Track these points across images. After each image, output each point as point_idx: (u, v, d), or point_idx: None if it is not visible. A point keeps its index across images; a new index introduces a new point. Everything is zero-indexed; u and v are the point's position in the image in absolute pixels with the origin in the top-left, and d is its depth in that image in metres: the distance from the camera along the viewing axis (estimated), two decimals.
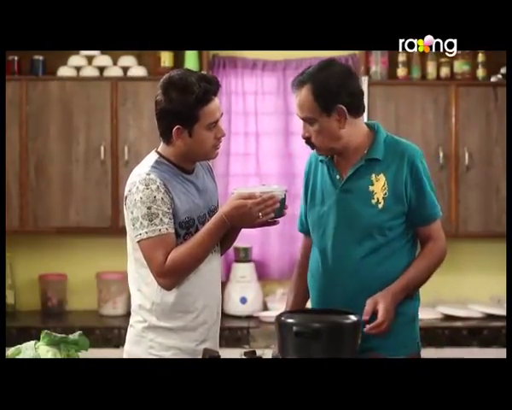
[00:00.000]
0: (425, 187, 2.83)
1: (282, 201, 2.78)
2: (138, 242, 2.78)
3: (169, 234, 2.77)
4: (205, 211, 2.87)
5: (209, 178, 2.98)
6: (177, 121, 2.77)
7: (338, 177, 2.87)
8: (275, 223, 2.85)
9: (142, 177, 2.77)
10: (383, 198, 2.80)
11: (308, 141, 2.84)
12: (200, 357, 2.70)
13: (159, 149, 2.87)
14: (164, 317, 2.82)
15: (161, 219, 2.75)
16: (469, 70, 4.86)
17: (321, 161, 2.94)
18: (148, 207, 2.74)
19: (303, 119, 2.81)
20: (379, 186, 2.81)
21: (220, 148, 2.97)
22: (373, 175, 2.82)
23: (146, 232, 2.75)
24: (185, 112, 2.75)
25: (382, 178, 2.81)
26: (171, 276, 2.78)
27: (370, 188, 2.82)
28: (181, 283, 2.80)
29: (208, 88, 2.78)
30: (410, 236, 2.86)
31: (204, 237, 2.79)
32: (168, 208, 2.76)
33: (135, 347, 2.86)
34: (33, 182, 4.76)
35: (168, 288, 2.79)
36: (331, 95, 2.76)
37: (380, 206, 2.80)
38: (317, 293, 2.92)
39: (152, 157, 2.86)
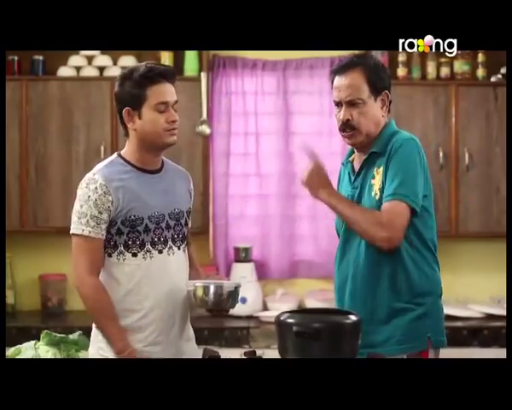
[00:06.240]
0: (393, 168, 2.78)
1: (232, 296, 2.84)
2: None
3: (90, 238, 2.81)
4: (163, 212, 2.89)
5: (183, 185, 3.01)
6: (127, 104, 2.85)
7: (352, 176, 2.94)
8: (220, 313, 2.97)
9: (88, 176, 2.87)
10: (379, 189, 2.82)
11: (347, 124, 2.86)
12: (148, 358, 2.75)
13: (121, 151, 2.95)
14: None
15: (87, 221, 2.81)
16: (469, 70, 4.86)
17: (343, 164, 3.03)
18: (81, 206, 2.83)
19: (349, 101, 2.85)
20: (378, 179, 2.84)
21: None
22: (375, 169, 2.86)
23: (72, 228, 2.84)
24: (133, 92, 2.83)
25: (381, 170, 2.83)
26: (82, 291, 2.81)
27: (372, 181, 2.85)
28: (129, 281, 2.84)
29: (156, 69, 2.85)
30: (414, 234, 2.82)
31: (107, 324, 2.79)
32: (100, 212, 2.81)
33: (91, 347, 2.89)
34: (33, 182, 4.76)
35: (77, 290, 2.84)
36: (380, 79, 2.88)
37: (377, 197, 2.82)
38: (335, 287, 2.95)
39: (110, 157, 2.95)
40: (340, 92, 2.87)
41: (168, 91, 2.86)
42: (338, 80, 2.88)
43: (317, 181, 2.86)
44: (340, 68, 2.89)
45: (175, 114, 2.87)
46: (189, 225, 3.06)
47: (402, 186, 2.77)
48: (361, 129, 2.86)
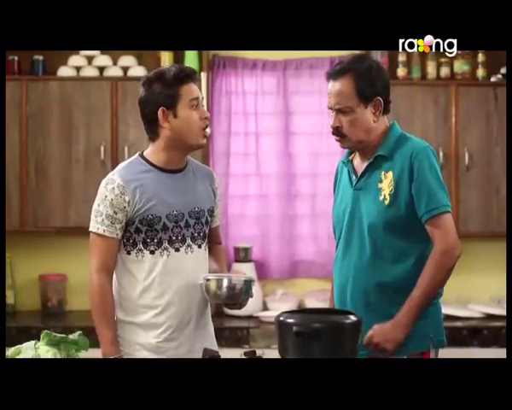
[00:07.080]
0: (425, 182, 2.79)
1: (245, 290, 2.85)
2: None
3: (105, 236, 2.86)
4: (183, 210, 2.92)
5: (205, 183, 3.02)
6: (161, 104, 2.88)
7: (354, 177, 2.93)
8: (235, 307, 2.94)
9: (108, 176, 2.94)
10: (389, 195, 2.82)
11: (337, 131, 2.87)
12: (148, 358, 2.77)
13: (144, 151, 2.98)
14: (129, 311, 2.90)
15: (103, 220, 2.87)
16: (469, 70, 4.86)
17: (343, 162, 3.01)
18: (98, 205, 2.90)
19: (338, 109, 2.85)
20: (387, 183, 2.83)
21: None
22: (382, 172, 2.85)
23: (90, 226, 2.90)
24: (167, 92, 2.87)
25: (390, 175, 2.83)
26: (89, 287, 2.88)
27: (379, 185, 2.85)
28: (146, 278, 2.88)
29: (184, 69, 2.92)
30: (422, 238, 2.83)
31: (103, 324, 2.84)
32: (115, 212, 2.86)
33: None
34: (33, 182, 4.76)
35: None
36: (371, 86, 2.84)
37: (386, 202, 2.82)
38: (336, 288, 2.96)
39: (131, 157, 3.00)
40: (331, 99, 2.88)
41: (197, 90, 2.93)
42: (329, 86, 2.89)
43: (388, 332, 2.76)
44: (332, 73, 2.88)
45: (206, 111, 2.95)
46: (218, 224, 3.09)
47: (436, 199, 2.79)
48: (350, 136, 2.86)
